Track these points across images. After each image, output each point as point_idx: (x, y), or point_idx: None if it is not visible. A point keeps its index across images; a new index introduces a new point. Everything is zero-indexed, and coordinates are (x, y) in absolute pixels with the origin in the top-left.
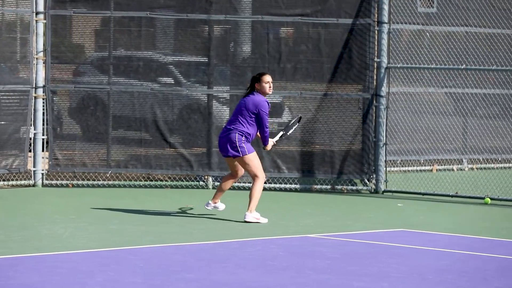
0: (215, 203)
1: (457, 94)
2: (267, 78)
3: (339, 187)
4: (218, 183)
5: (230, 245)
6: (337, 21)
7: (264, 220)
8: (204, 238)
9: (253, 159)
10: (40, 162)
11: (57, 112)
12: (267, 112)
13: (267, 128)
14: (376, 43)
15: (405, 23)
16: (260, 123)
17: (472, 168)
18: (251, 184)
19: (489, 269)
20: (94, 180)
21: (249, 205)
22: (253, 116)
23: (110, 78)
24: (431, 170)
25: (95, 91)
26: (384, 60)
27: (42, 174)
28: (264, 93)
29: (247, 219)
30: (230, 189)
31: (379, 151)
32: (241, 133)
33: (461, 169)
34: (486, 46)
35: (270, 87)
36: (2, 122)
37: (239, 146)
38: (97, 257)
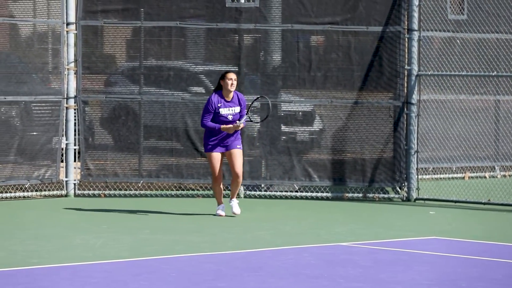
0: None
1: (488, 101)
2: (230, 75)
3: (370, 195)
4: (250, 192)
5: (262, 254)
6: (367, 29)
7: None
8: (236, 247)
9: (208, 160)
10: (72, 172)
11: (89, 122)
12: (206, 107)
13: (201, 123)
14: (406, 50)
15: (436, 30)
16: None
17: (504, 175)
18: None
19: None
20: (126, 190)
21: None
22: None
23: (141, 88)
24: (463, 178)
25: (126, 101)
26: (415, 67)
27: (74, 184)
28: (226, 90)
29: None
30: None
31: (411, 158)
32: (205, 132)
33: (494, 176)
34: None
35: (232, 84)
36: (34, 133)
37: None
38: (130, 267)
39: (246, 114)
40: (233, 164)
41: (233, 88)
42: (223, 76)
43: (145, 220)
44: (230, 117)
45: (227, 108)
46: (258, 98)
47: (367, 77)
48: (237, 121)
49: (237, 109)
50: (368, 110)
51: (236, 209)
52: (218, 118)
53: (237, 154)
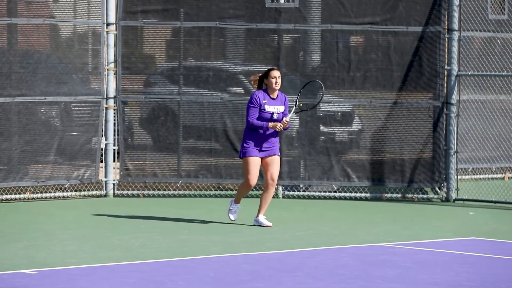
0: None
1: None
2: (274, 73)
3: (409, 195)
4: (288, 192)
5: (300, 254)
6: (407, 29)
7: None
8: (273, 247)
9: (243, 163)
10: (112, 173)
11: (128, 123)
12: (251, 103)
13: (247, 121)
14: (446, 50)
15: (476, 30)
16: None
17: None
18: None
19: None
20: (165, 190)
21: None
22: None
23: (180, 88)
24: (503, 178)
25: (166, 101)
26: (455, 67)
27: (113, 184)
28: (271, 89)
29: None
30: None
31: (450, 159)
32: (245, 134)
33: None
34: None
35: (276, 82)
36: (74, 133)
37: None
38: (167, 267)
39: (295, 106)
40: (271, 170)
41: (277, 87)
42: (266, 74)
43: (183, 221)
44: (275, 116)
45: (273, 106)
46: (310, 82)
47: (407, 77)
48: (284, 118)
49: (281, 108)
50: (407, 110)
51: (267, 222)
52: (262, 115)
53: (276, 161)
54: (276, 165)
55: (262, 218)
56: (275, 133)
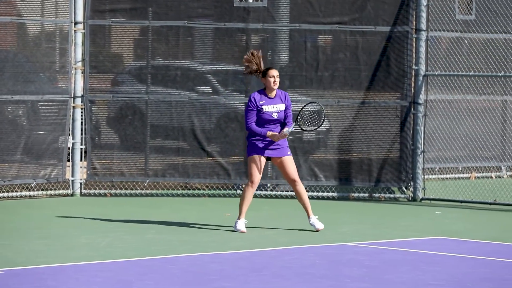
0: (309, 216)
1: (495, 101)
2: (272, 72)
3: (376, 195)
4: (256, 192)
5: (267, 254)
6: (375, 28)
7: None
8: (241, 246)
9: (249, 162)
10: (78, 172)
11: (95, 122)
12: (248, 107)
13: (246, 126)
14: (414, 50)
15: (443, 30)
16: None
17: (511, 176)
18: None
19: None
20: (132, 189)
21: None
22: None
23: (148, 88)
24: (470, 178)
25: (133, 100)
26: (422, 67)
27: (80, 183)
28: (269, 88)
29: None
30: (266, 197)
31: (417, 158)
32: (248, 133)
33: (500, 177)
34: None
35: (274, 81)
36: (41, 132)
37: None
38: (135, 266)
39: (295, 122)
40: (288, 172)
41: (276, 86)
42: (264, 73)
43: (150, 220)
44: (275, 115)
45: (271, 106)
46: (309, 103)
47: (374, 77)
48: (284, 130)
49: (281, 106)
50: (375, 110)
51: (319, 224)
52: (262, 116)
53: (290, 161)
54: (290, 164)
55: (314, 219)
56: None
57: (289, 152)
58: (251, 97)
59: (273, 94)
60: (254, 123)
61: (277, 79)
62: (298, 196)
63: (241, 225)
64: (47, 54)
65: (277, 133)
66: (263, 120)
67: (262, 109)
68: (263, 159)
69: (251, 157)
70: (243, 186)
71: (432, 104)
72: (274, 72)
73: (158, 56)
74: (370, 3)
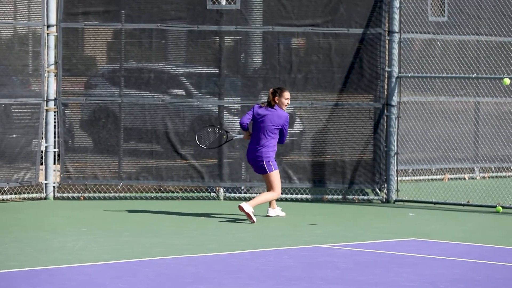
0: (274, 208)
1: (468, 103)
2: (287, 94)
3: (350, 197)
4: (230, 194)
5: (242, 256)
6: (348, 31)
7: (253, 218)
8: (216, 249)
9: (276, 176)
10: (52, 175)
11: (69, 125)
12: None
13: (283, 140)
14: (387, 52)
15: (416, 32)
16: (283, 134)
17: (483, 177)
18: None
19: (502, 278)
20: (106, 192)
21: (253, 200)
22: (279, 128)
23: (121, 90)
24: (443, 179)
25: (106, 103)
26: (395, 69)
27: (54, 187)
28: (280, 108)
29: (244, 208)
30: (240, 199)
31: (390, 160)
32: (269, 149)
33: (473, 178)
34: (497, 54)
35: (287, 104)
36: (14, 135)
37: (266, 164)
38: (109, 269)
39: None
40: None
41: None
42: (279, 93)
43: (124, 223)
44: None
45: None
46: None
47: (348, 79)
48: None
49: None
50: (348, 112)
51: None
52: (256, 125)
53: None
54: None
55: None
56: None
57: None
58: (254, 108)
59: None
60: (246, 119)
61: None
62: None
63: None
64: (20, 57)
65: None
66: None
67: None
68: None
69: (276, 171)
70: (217, 188)
71: (405, 106)
72: (289, 95)
73: (131, 58)
74: (343, 6)
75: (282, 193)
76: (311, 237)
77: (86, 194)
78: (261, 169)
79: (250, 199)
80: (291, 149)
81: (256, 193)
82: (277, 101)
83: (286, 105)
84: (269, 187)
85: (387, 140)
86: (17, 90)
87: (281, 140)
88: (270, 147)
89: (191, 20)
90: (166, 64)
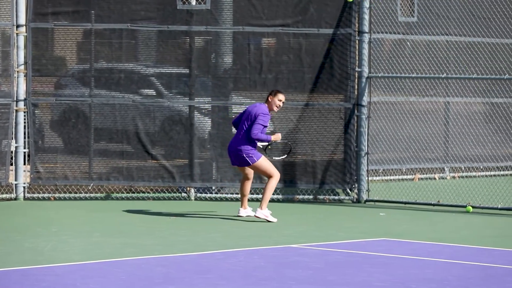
0: (245, 208)
1: (438, 103)
2: (282, 96)
3: (321, 197)
4: (200, 194)
5: (212, 256)
6: (318, 31)
7: (272, 219)
8: (186, 249)
9: (262, 162)
10: (22, 176)
11: (39, 125)
12: (265, 121)
13: (253, 133)
14: (357, 52)
15: (386, 32)
16: (251, 126)
17: (454, 177)
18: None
19: (472, 277)
20: (76, 192)
21: (261, 202)
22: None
23: (92, 91)
24: (413, 179)
25: (77, 103)
26: (365, 69)
27: (24, 187)
28: (271, 108)
29: (257, 215)
30: (211, 199)
31: (361, 160)
32: (247, 142)
33: (443, 178)
34: (467, 54)
35: (279, 106)
36: None
37: (247, 156)
38: (80, 270)
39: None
40: (249, 171)
41: (276, 110)
42: (274, 93)
43: (95, 223)
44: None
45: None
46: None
47: (318, 79)
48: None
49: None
50: (318, 112)
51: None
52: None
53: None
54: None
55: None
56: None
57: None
58: (268, 114)
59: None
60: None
61: (282, 105)
62: (248, 185)
63: (269, 215)
64: None
65: (278, 134)
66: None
67: (267, 125)
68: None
69: (261, 158)
70: (188, 189)
71: (376, 106)
72: (283, 97)
73: (101, 59)
74: (313, 6)
75: (253, 193)
76: (282, 237)
77: (56, 195)
78: (244, 162)
79: (221, 199)
80: (261, 149)
81: (227, 193)
82: (270, 100)
83: (277, 106)
84: (267, 176)
85: (357, 140)
86: None
87: (249, 132)
88: (246, 140)
89: (161, 20)
90: (136, 64)
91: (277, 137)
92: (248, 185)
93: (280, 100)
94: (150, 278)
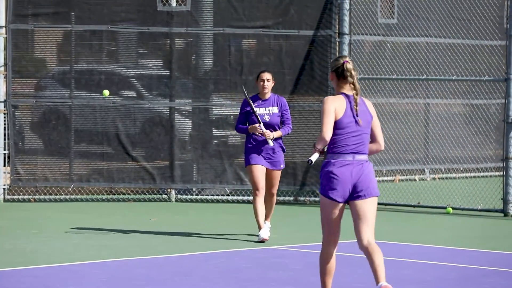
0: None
1: (418, 105)
2: (264, 75)
3: (302, 198)
4: (181, 196)
5: (193, 258)
6: (298, 32)
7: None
8: (167, 251)
9: (248, 172)
10: (2, 177)
11: (19, 127)
12: (240, 111)
13: (235, 127)
14: (337, 54)
15: (366, 34)
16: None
17: (434, 178)
18: None
19: (451, 278)
20: (57, 194)
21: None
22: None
23: (72, 92)
24: (394, 181)
25: (57, 105)
26: None
27: (4, 189)
28: (261, 92)
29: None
30: (192, 201)
31: None
32: (245, 143)
33: (423, 179)
34: (446, 56)
35: (265, 86)
36: None
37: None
38: (60, 272)
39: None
40: (271, 184)
41: (266, 90)
42: (257, 76)
43: (75, 225)
44: (266, 118)
45: (263, 108)
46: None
47: (299, 80)
48: (275, 133)
49: (274, 109)
50: (299, 113)
51: (265, 233)
52: (252, 118)
53: (277, 176)
54: (276, 179)
55: (267, 225)
56: (278, 144)
57: (282, 166)
58: (244, 101)
59: (265, 96)
60: (240, 124)
61: (267, 83)
62: (265, 204)
63: (263, 233)
64: None
65: (256, 126)
66: (255, 123)
67: (255, 111)
68: (262, 167)
69: (247, 167)
70: (169, 190)
71: None
72: (264, 76)
73: (81, 60)
74: (293, 7)
75: (233, 195)
76: None
77: (36, 197)
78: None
79: (201, 201)
80: (242, 150)
81: (208, 195)
82: (257, 85)
83: (263, 87)
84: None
85: None
86: None
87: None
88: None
89: (142, 22)
90: (116, 66)
91: (253, 128)
92: (266, 201)
93: (263, 80)
94: (131, 279)
